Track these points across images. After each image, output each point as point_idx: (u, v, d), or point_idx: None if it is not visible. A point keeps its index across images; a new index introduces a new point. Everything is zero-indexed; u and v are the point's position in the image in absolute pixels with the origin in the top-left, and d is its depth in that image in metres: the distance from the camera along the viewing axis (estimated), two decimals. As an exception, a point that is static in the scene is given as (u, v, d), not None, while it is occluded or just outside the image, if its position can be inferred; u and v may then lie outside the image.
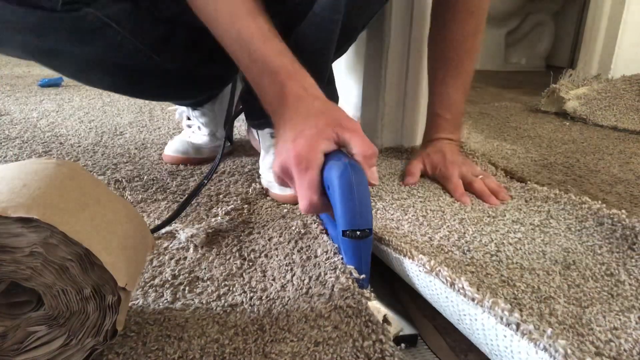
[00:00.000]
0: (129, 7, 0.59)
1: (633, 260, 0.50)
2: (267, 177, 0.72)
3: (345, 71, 1.08)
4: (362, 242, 0.45)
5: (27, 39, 0.58)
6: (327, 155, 0.47)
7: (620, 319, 0.41)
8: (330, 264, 0.49)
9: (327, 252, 0.51)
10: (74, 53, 0.62)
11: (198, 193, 0.57)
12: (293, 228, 0.57)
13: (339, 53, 0.74)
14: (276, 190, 0.69)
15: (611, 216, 0.58)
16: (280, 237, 0.55)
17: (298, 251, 0.52)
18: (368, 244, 0.46)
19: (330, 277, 0.46)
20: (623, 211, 0.58)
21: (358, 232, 0.44)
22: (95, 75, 0.69)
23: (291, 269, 0.48)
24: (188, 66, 0.72)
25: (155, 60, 0.65)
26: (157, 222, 0.59)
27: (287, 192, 0.67)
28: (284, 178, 0.49)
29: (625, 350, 0.37)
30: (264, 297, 0.43)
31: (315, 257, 0.50)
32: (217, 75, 0.79)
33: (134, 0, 0.59)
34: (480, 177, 0.71)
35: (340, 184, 0.43)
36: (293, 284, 0.46)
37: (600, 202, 0.62)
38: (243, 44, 0.51)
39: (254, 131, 0.81)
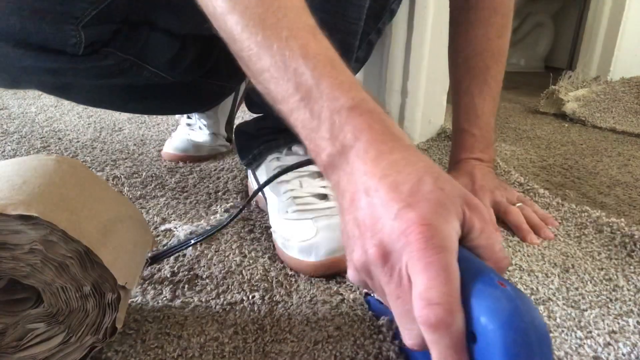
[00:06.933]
0: (145, 36, 0.58)
1: (631, 267, 0.51)
2: (283, 232, 0.51)
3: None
4: None
5: (45, 79, 0.59)
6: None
7: (618, 323, 0.41)
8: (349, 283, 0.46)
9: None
10: (90, 85, 0.63)
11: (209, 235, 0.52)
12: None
13: (375, 23, 0.58)
14: (296, 253, 0.48)
15: (610, 224, 0.58)
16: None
17: None
18: None
19: (344, 293, 0.44)
20: (622, 220, 0.58)
21: None
22: (107, 99, 0.70)
23: (296, 280, 0.47)
24: (195, 80, 0.71)
25: (168, 79, 0.65)
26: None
27: (313, 258, 0.47)
28: (376, 270, 0.27)
29: (623, 354, 0.37)
30: (266, 297, 0.43)
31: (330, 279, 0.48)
32: (221, 87, 0.78)
33: (151, 22, 0.58)
34: (519, 204, 0.60)
35: (506, 342, 0.22)
36: (297, 292, 0.44)
37: (599, 210, 0.62)
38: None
39: (252, 175, 0.64)
